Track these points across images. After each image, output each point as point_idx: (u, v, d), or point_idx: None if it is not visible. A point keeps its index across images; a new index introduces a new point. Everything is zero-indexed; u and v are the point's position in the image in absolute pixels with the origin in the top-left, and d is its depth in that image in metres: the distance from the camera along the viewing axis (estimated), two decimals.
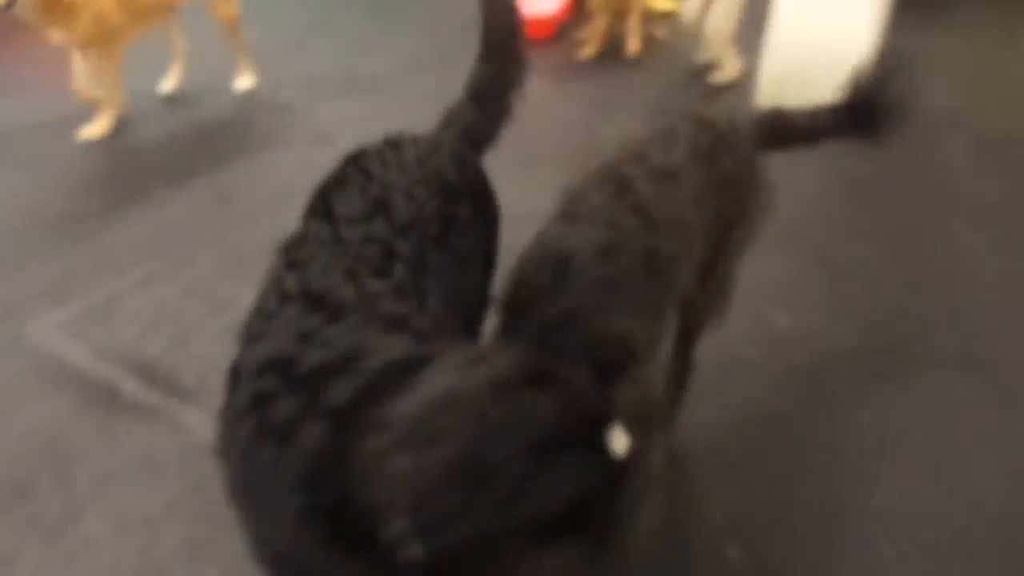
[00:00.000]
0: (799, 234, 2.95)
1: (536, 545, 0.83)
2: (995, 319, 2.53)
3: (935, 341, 2.44)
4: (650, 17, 5.19)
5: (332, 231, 1.30)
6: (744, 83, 4.25)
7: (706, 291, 1.72)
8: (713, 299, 1.81)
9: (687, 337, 1.94)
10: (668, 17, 5.40)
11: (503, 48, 1.75)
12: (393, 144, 1.49)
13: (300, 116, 4.11)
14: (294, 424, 0.95)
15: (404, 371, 0.93)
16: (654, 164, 1.47)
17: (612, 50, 4.96)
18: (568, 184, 1.46)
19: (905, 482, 1.97)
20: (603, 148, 1.55)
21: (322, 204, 1.39)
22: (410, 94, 4.20)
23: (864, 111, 1.74)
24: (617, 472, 0.86)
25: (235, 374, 1.09)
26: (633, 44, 4.93)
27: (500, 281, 1.36)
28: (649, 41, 5.09)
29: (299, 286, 1.16)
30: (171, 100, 4.30)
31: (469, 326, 1.47)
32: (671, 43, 5.17)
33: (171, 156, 3.72)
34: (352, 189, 1.38)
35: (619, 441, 0.86)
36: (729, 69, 4.39)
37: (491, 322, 1.34)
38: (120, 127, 3.94)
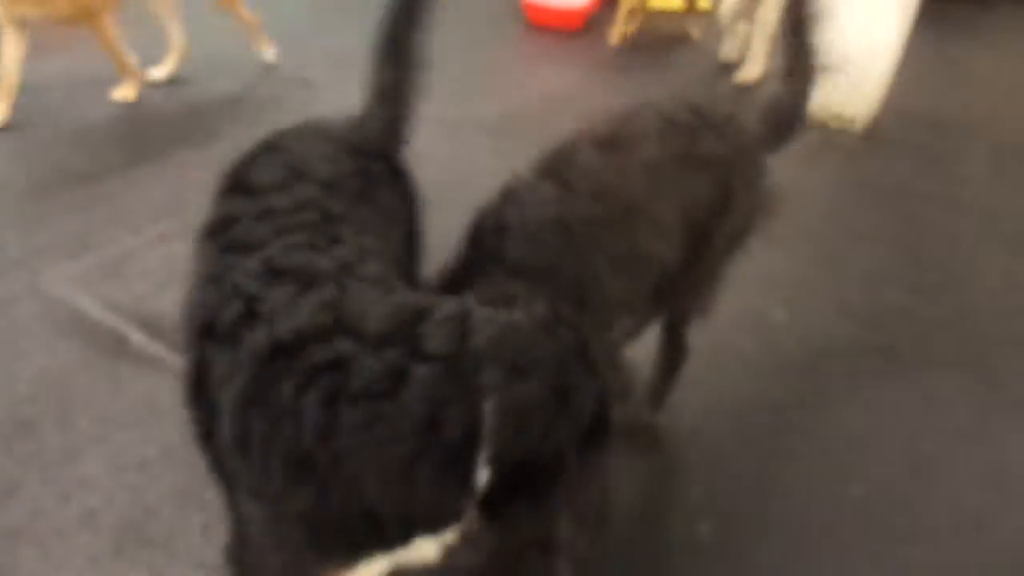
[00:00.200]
0: (806, 232, 2.97)
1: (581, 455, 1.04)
2: (994, 323, 2.54)
3: (932, 342, 2.46)
4: (657, 14, 5.20)
5: (258, 204, 1.26)
6: (769, 84, 4.25)
7: (689, 280, 1.75)
8: (697, 288, 1.82)
9: (674, 325, 1.95)
10: (704, 15, 5.40)
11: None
12: (304, 126, 1.51)
13: (324, 92, 4.17)
14: (404, 373, 0.99)
15: (463, 319, 1.04)
16: (599, 134, 1.55)
17: (643, 45, 4.99)
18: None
19: (882, 475, 1.99)
20: None
21: (236, 182, 1.35)
22: (441, 76, 4.21)
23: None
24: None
25: (259, 360, 1.04)
26: (615, 34, 4.96)
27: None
28: (682, 37, 5.11)
29: (265, 266, 1.14)
30: (200, 70, 4.36)
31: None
32: (706, 41, 5.18)
33: (195, 122, 3.80)
34: (267, 163, 1.37)
35: None
36: (751, 69, 4.39)
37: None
38: (149, 92, 4.03)
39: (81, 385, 2.16)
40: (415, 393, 0.97)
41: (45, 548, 1.73)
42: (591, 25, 5.32)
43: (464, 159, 3.46)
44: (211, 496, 1.82)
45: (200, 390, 1.15)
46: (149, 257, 2.72)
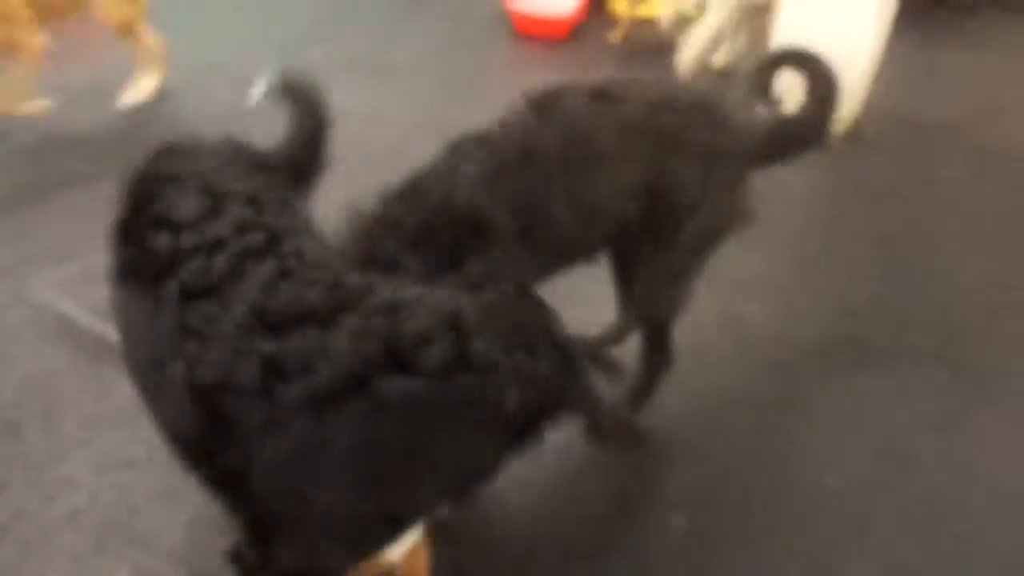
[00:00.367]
0: (785, 233, 3.00)
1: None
2: (968, 319, 2.57)
3: (906, 336, 2.49)
4: (645, 23, 5.26)
5: (192, 238, 1.24)
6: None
7: (655, 267, 1.78)
8: (664, 277, 1.85)
9: (649, 321, 1.98)
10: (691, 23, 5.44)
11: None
12: (169, 151, 1.50)
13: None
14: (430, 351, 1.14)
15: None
16: (596, 84, 1.71)
17: (629, 53, 5.04)
18: None
19: (856, 467, 2.02)
20: None
21: (149, 219, 1.31)
22: (428, 81, 4.28)
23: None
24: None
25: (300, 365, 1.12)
26: (616, 34, 5.07)
27: None
28: (669, 47, 5.15)
29: (254, 308, 1.16)
30: (207, 78, 4.29)
31: None
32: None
33: (197, 129, 3.78)
34: (175, 192, 1.32)
35: None
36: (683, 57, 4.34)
37: None
38: (159, 98, 3.96)
39: (67, 388, 2.19)
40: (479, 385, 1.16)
41: (28, 547, 1.76)
42: (576, 33, 5.37)
43: None
44: (195, 495, 1.84)
45: (221, 443, 1.19)
46: None
